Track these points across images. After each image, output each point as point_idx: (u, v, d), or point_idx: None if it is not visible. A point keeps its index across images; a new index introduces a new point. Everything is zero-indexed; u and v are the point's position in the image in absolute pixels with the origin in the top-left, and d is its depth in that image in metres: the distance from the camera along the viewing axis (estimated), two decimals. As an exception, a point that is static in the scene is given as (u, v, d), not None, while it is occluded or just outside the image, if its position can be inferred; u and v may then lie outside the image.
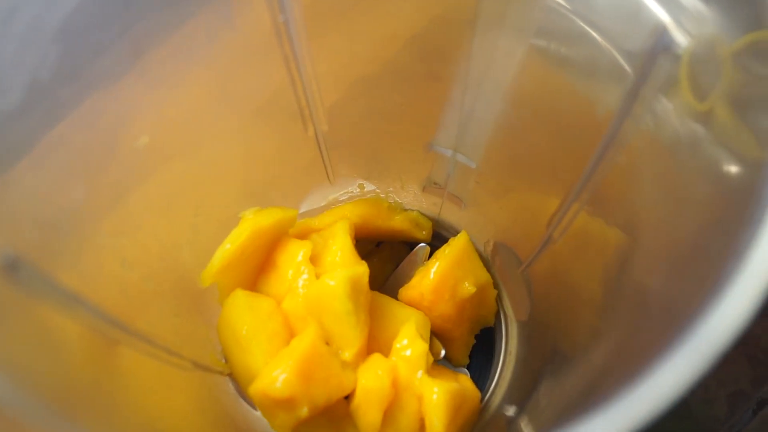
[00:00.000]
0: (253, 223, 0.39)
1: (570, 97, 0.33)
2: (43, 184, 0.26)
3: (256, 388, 0.35)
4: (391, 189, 0.48)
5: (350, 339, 0.37)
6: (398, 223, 0.47)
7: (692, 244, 0.24)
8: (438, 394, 0.36)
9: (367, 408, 0.37)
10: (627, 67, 0.29)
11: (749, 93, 0.24)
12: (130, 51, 0.29)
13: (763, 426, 0.41)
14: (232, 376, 0.40)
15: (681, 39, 0.26)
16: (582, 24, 0.29)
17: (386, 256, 0.48)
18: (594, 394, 0.26)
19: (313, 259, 0.40)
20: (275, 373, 0.34)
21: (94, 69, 0.27)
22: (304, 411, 0.34)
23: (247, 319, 0.37)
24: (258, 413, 0.40)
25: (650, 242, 0.29)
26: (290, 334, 0.38)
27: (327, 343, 0.37)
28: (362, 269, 0.38)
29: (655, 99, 0.28)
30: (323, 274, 0.38)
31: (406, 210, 0.48)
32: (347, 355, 0.37)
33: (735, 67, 0.24)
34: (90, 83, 0.27)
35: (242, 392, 0.40)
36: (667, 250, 0.27)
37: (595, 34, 0.30)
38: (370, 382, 0.36)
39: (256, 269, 0.41)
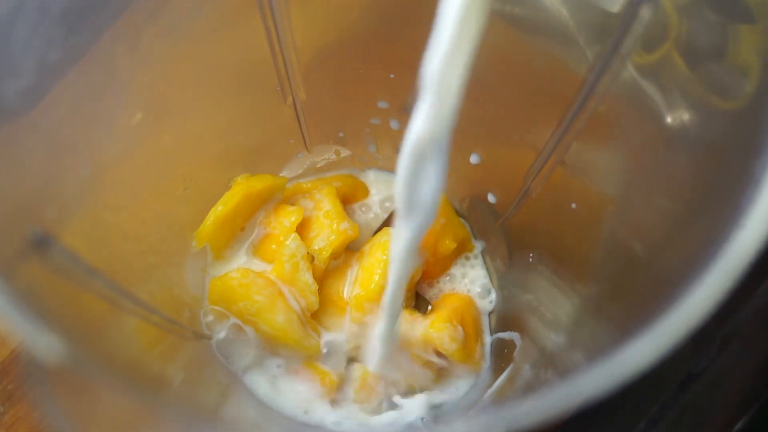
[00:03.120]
0: (245, 187, 0.41)
1: (542, 57, 0.34)
2: (54, 162, 0.27)
3: None
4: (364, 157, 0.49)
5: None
6: None
7: (685, 200, 0.26)
8: None
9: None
10: (602, 27, 0.29)
11: (702, 41, 0.25)
12: (127, 30, 0.29)
13: (727, 362, 0.42)
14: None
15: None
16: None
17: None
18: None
19: (304, 222, 0.42)
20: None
21: (95, 48, 0.28)
22: None
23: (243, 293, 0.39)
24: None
25: (634, 196, 0.30)
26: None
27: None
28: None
29: (628, 53, 0.28)
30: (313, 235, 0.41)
31: None
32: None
33: (687, 16, 0.25)
34: (91, 62, 0.28)
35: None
36: (654, 202, 0.28)
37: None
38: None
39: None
